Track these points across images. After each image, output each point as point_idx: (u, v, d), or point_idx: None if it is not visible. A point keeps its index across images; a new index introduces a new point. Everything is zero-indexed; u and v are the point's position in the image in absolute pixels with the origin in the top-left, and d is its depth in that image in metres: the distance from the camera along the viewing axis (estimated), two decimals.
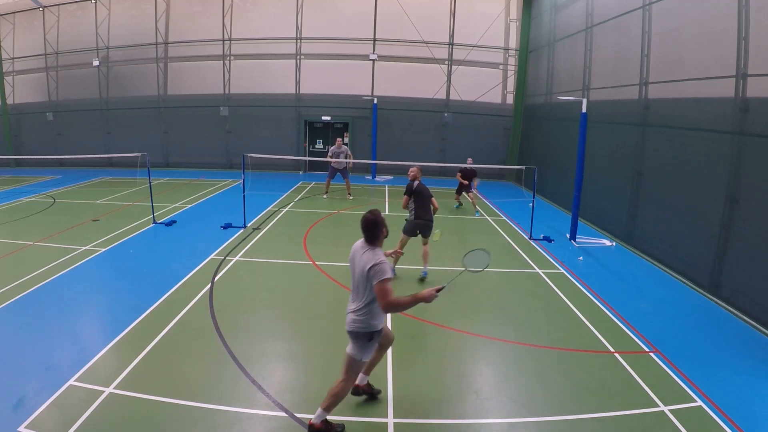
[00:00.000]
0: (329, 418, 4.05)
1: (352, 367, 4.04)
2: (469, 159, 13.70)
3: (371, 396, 4.57)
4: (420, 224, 7.85)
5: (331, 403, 4.00)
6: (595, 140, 10.98)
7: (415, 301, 3.84)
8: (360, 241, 4.07)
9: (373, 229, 3.94)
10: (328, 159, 14.34)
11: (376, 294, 3.79)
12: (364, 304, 3.93)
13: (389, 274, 3.83)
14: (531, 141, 17.88)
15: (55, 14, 20.71)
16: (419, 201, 7.80)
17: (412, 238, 7.86)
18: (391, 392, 4.66)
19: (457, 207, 13.68)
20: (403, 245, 7.69)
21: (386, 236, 4.05)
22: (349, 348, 4.04)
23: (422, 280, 7.80)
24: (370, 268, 3.80)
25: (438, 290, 3.86)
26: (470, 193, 13.23)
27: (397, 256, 7.27)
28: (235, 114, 20.13)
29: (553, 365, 5.29)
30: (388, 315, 6.09)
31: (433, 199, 7.91)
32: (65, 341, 5.54)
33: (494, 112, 19.54)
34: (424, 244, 7.98)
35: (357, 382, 4.36)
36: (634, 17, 10.26)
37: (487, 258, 4.39)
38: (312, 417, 3.97)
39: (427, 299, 3.82)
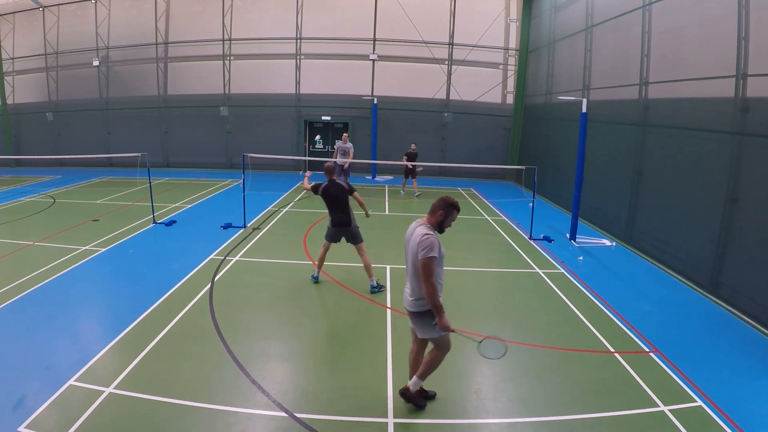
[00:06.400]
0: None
1: (438, 343, 4.19)
2: (413, 144, 15.24)
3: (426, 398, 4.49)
4: (336, 231, 7.16)
5: (424, 371, 4.27)
6: (595, 140, 10.97)
7: (438, 307, 3.91)
8: (416, 222, 4.13)
9: (437, 205, 4.03)
10: (334, 159, 14.44)
11: (421, 268, 3.85)
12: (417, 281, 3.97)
13: (435, 252, 3.83)
14: (531, 141, 17.86)
15: (55, 14, 20.71)
16: (330, 204, 7.12)
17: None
18: (391, 392, 4.66)
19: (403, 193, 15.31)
20: (324, 251, 7.29)
21: (449, 225, 4.09)
22: (424, 333, 4.15)
23: (373, 292, 7.08)
24: (419, 242, 3.87)
25: (452, 330, 4.02)
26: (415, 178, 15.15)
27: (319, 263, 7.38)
28: (235, 114, 20.13)
29: (553, 365, 5.29)
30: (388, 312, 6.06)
31: (355, 194, 7.06)
32: (65, 341, 5.54)
33: (494, 112, 19.54)
34: (359, 254, 7.12)
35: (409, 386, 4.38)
36: (634, 17, 10.26)
37: (503, 349, 4.28)
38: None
39: (441, 321, 3.96)
